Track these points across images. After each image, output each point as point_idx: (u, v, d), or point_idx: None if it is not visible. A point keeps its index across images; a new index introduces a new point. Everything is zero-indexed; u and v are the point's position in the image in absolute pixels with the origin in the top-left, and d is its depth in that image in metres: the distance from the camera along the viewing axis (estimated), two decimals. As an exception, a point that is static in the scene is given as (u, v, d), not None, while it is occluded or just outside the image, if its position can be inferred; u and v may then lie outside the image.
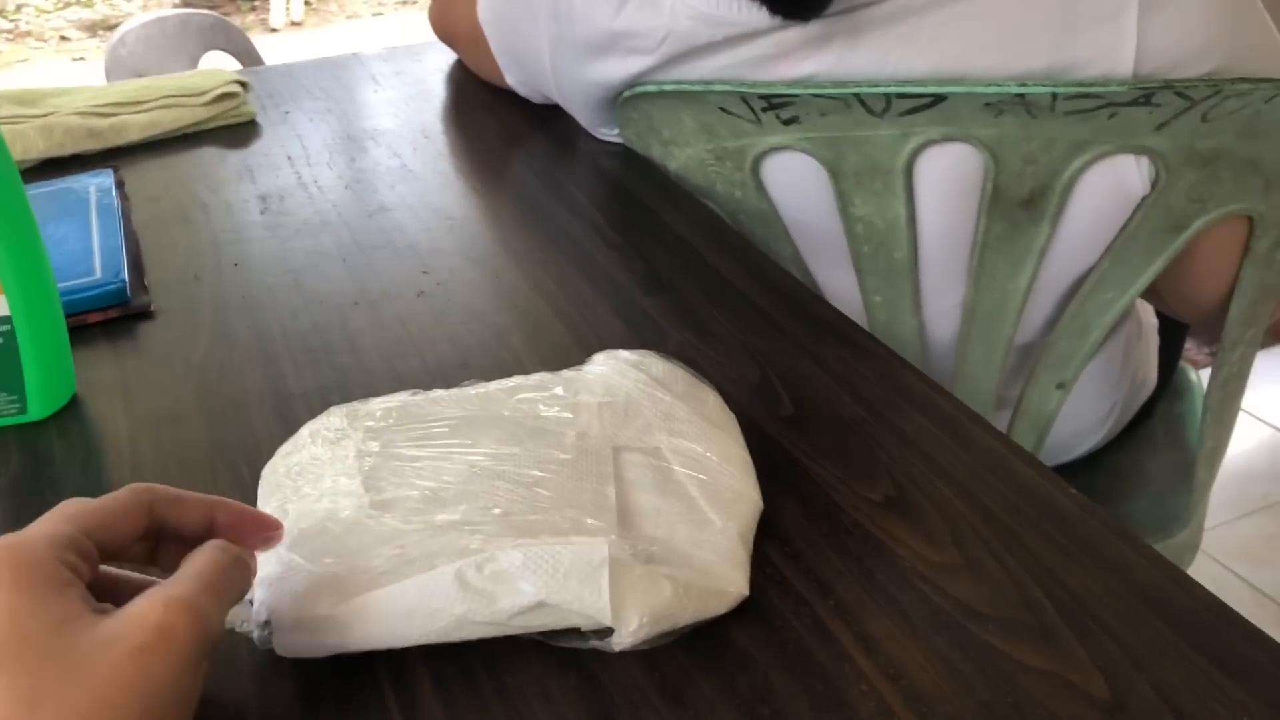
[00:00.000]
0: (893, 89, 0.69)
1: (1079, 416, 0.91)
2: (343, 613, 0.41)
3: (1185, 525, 0.96)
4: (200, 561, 0.39)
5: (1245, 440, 1.89)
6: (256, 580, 0.42)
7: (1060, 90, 0.67)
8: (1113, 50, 0.66)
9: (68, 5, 5.83)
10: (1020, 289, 0.77)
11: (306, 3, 5.57)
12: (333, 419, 0.51)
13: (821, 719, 0.40)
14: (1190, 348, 1.18)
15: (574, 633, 0.42)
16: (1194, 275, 0.79)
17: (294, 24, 5.40)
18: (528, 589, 0.41)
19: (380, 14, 5.70)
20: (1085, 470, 1.00)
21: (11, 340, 0.56)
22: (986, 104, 0.68)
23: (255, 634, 0.42)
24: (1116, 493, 0.99)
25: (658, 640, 0.42)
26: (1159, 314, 1.04)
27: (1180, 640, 0.42)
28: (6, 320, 0.55)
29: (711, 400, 0.53)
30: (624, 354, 0.54)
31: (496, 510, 0.45)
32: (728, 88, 0.74)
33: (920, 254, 0.77)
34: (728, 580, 0.44)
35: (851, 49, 0.70)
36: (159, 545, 0.41)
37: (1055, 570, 0.45)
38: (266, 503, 0.48)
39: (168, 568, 0.40)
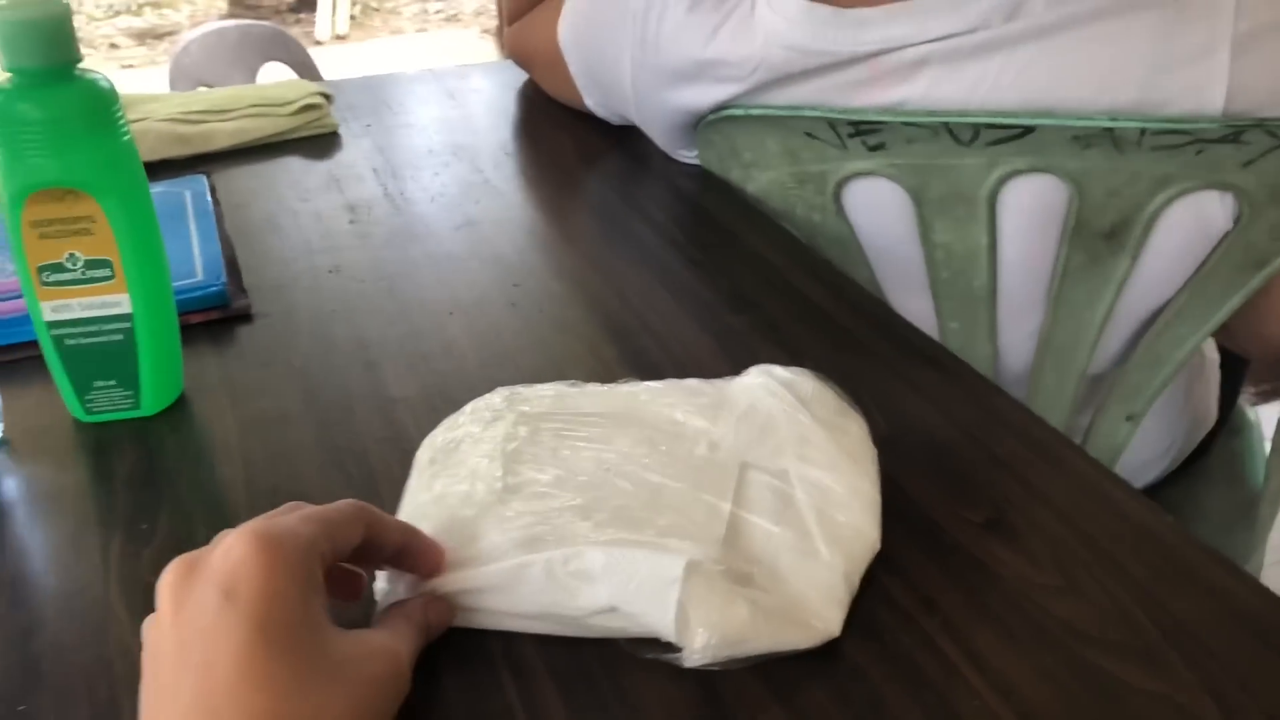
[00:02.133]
0: (982, 119, 0.70)
1: (1142, 449, 0.92)
2: (441, 587, 0.44)
3: (1245, 561, 0.96)
4: (402, 619, 0.42)
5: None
6: None
7: (1149, 125, 0.68)
8: (1203, 88, 0.67)
9: (118, 14, 5.93)
10: (1097, 320, 0.78)
11: (352, 17, 5.64)
12: (494, 398, 0.53)
13: (936, 730, 0.40)
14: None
15: (656, 643, 0.43)
16: (1271, 312, 0.80)
17: (339, 37, 5.47)
18: (602, 592, 0.42)
19: (424, 30, 5.76)
20: (1144, 503, 1.00)
21: (130, 338, 0.58)
22: (1074, 137, 0.70)
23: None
24: (1176, 527, 1.00)
25: (731, 663, 0.42)
26: (1220, 350, 1.04)
27: (1287, 668, 0.43)
28: (128, 319, 0.57)
29: (855, 430, 0.53)
30: (778, 370, 0.55)
31: (613, 505, 0.46)
32: (816, 113, 0.75)
33: (999, 282, 0.78)
34: (818, 616, 0.44)
35: (943, 78, 0.71)
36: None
37: (1157, 594, 0.46)
38: (420, 474, 0.51)
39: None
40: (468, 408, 0.54)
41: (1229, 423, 1.09)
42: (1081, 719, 0.41)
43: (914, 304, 0.82)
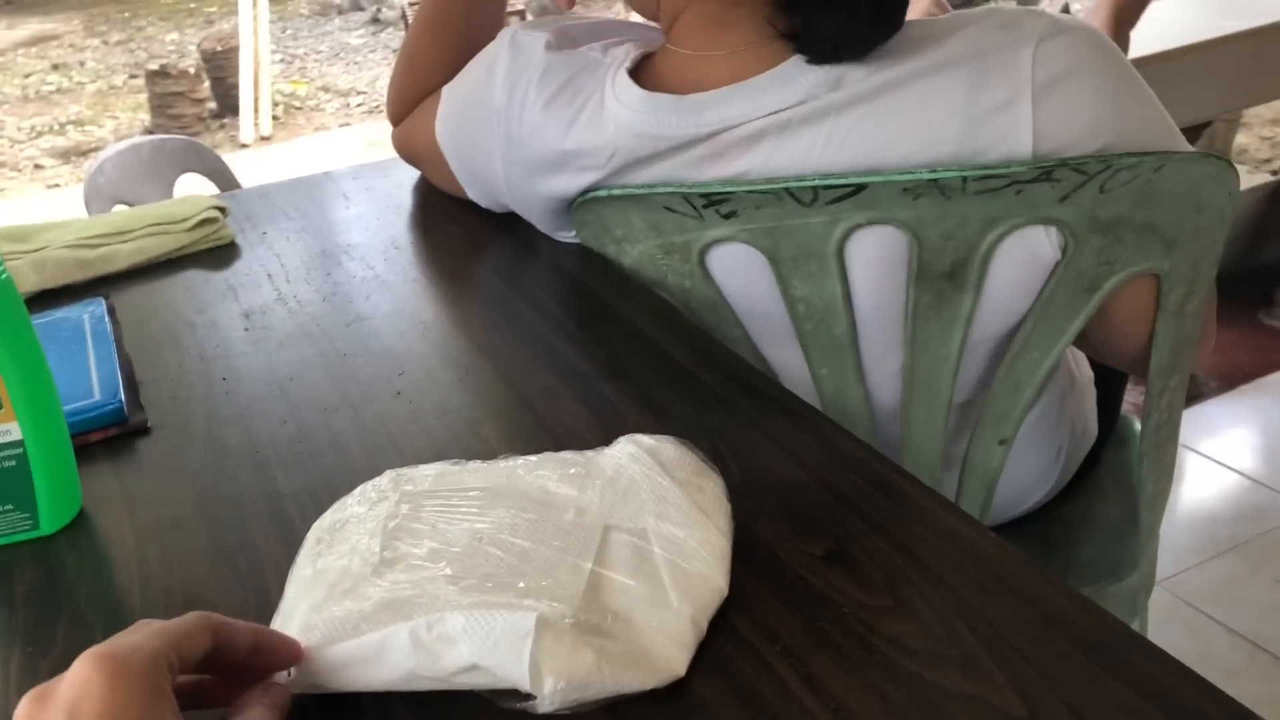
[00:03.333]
0: (818, 181, 0.76)
1: (1024, 470, 0.97)
2: (317, 657, 0.48)
3: (1135, 568, 1.01)
4: (257, 703, 0.45)
5: (1210, 485, 1.95)
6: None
7: (968, 174, 0.74)
8: (1011, 135, 0.73)
9: (40, 134, 5.96)
10: (953, 353, 0.83)
11: (275, 118, 5.71)
12: (382, 480, 0.58)
13: (771, 751, 0.44)
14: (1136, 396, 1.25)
15: (515, 693, 0.47)
16: (1113, 331, 0.86)
17: (263, 139, 5.53)
18: (464, 651, 0.47)
19: (347, 124, 5.84)
20: (1038, 521, 1.05)
21: (24, 462, 0.61)
22: (904, 189, 0.75)
23: None
24: (1069, 541, 1.05)
25: (580, 705, 0.46)
26: (1096, 366, 1.10)
27: (1087, 660, 0.47)
28: (20, 444, 0.61)
29: (710, 488, 0.58)
30: (644, 438, 0.60)
31: (482, 571, 0.50)
32: (670, 189, 0.81)
33: (858, 327, 0.83)
34: (665, 659, 0.48)
35: (778, 148, 0.77)
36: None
37: (977, 606, 0.51)
38: (306, 553, 0.55)
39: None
40: (357, 490, 0.58)
41: (1114, 435, 1.14)
42: (901, 726, 0.45)
43: (785, 355, 0.87)
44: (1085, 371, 1.07)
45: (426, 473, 0.59)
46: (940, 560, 0.54)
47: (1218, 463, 1.97)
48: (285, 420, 0.73)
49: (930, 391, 0.86)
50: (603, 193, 0.85)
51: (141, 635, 0.42)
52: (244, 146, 5.42)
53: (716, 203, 0.80)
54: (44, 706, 0.40)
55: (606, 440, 0.67)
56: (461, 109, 0.95)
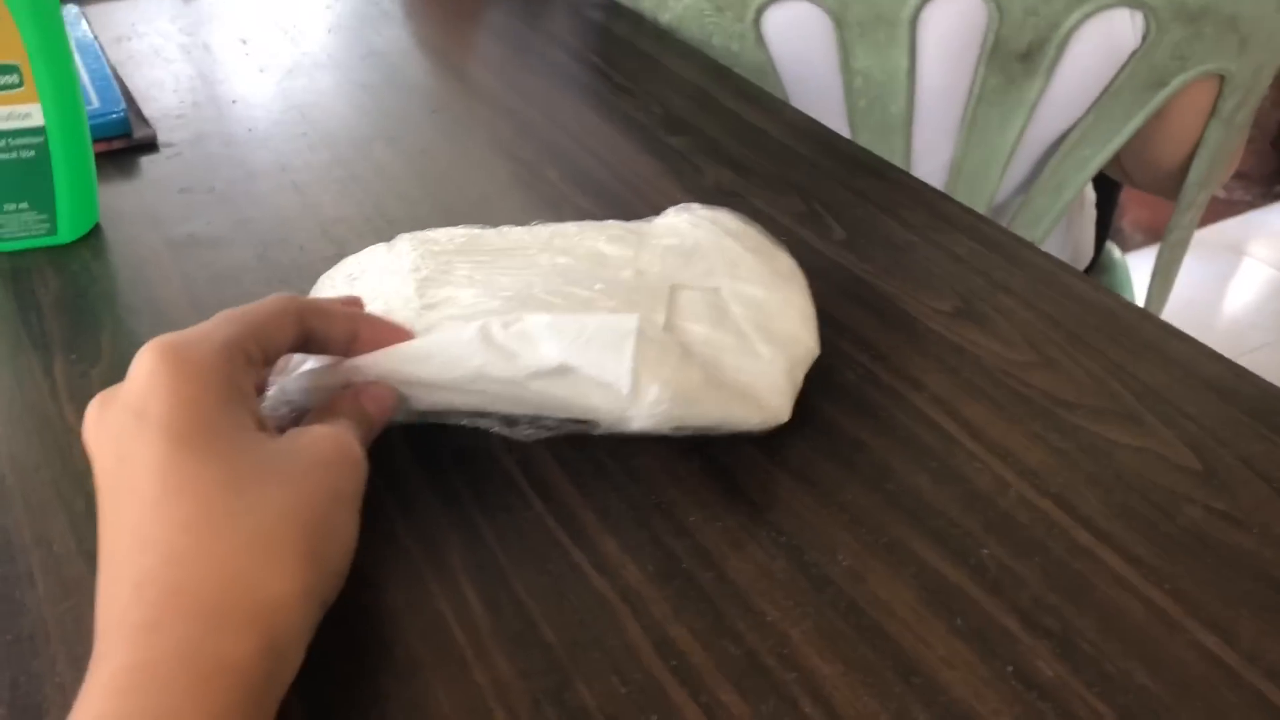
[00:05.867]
0: (911, -66, 0.70)
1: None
2: (362, 374, 0.40)
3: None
4: (356, 405, 0.39)
5: (1249, 284, 1.99)
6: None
7: (1072, -61, 0.69)
8: (1123, -99, 0.69)
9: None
10: (1008, 145, 0.80)
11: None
12: (399, 243, 0.49)
13: (944, 491, 0.42)
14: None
15: (588, 424, 0.41)
16: (1163, 135, 0.84)
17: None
18: (550, 350, 0.40)
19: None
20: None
21: (45, 154, 0.53)
22: (999, -48, 0.70)
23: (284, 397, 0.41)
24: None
25: (678, 428, 0.40)
26: (1095, 189, 1.09)
27: (1251, 420, 0.45)
28: (40, 131, 0.52)
29: (784, 258, 0.51)
30: (699, 208, 0.52)
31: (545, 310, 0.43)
32: (741, -69, 0.74)
33: (916, 109, 0.79)
34: (766, 400, 0.43)
35: (874, -109, 0.70)
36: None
37: (1126, 365, 0.48)
38: (320, 295, 0.47)
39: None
40: (364, 251, 0.49)
41: (1098, 263, 1.14)
42: (1077, 474, 0.42)
43: (831, 133, 0.82)
44: (1090, 193, 1.06)
45: (454, 234, 0.49)
46: (1076, 321, 0.51)
47: (1260, 261, 2.00)
48: (316, 147, 0.65)
49: (975, 186, 0.83)
50: (657, -66, 0.78)
51: (213, 324, 0.36)
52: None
53: (790, -48, 0.73)
54: (109, 407, 0.34)
55: (685, 190, 0.62)
56: None
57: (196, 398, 0.33)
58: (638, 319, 0.41)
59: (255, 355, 0.36)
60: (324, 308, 0.40)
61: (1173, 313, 2.18)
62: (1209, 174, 0.86)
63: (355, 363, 0.40)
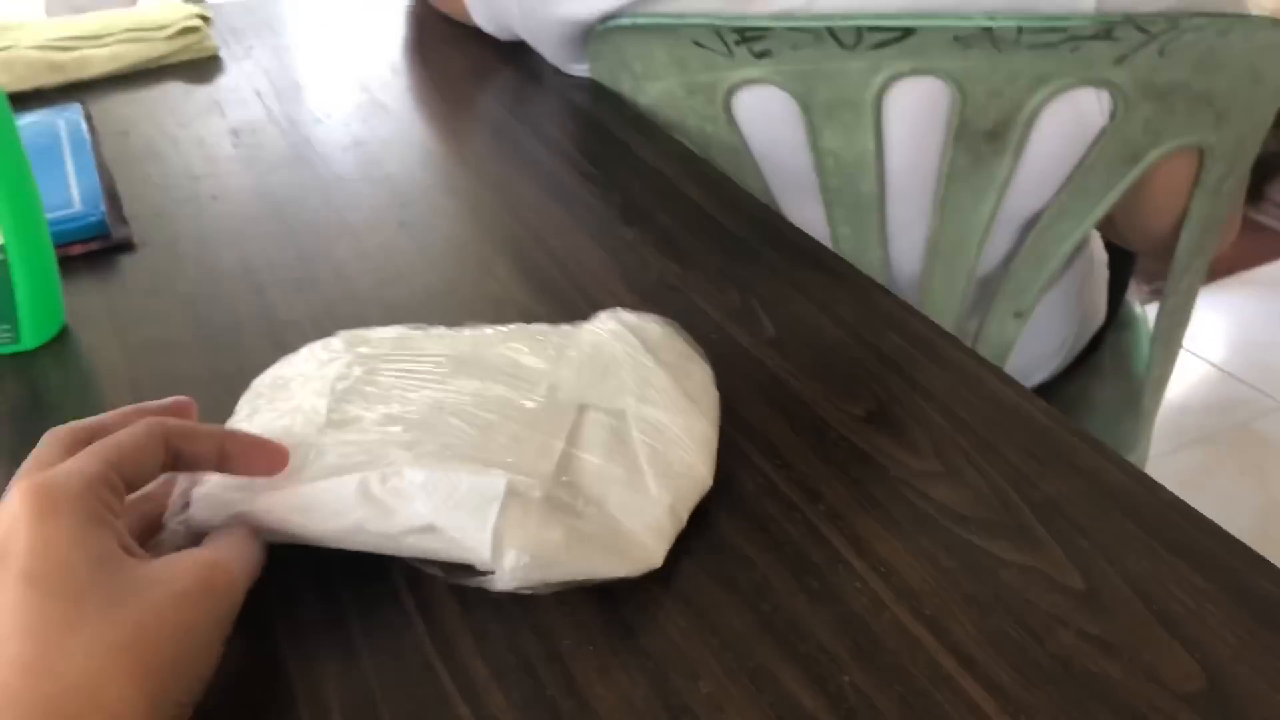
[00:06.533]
0: (864, 22, 0.71)
1: (1034, 346, 0.95)
2: (254, 506, 0.43)
3: (1133, 450, 1.00)
4: (232, 530, 0.41)
5: (1183, 376, 1.95)
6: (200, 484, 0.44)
7: (1026, 24, 0.69)
8: (1076, -14, 0.68)
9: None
10: (982, 221, 0.80)
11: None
12: (334, 341, 0.52)
13: (819, 613, 0.42)
14: (1134, 284, 1.23)
15: (468, 570, 0.42)
16: (1147, 206, 0.83)
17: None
18: (422, 509, 0.42)
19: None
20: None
21: (4, 269, 0.56)
22: (955, 38, 0.71)
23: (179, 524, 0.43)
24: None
25: (543, 586, 0.42)
26: (1108, 248, 1.07)
27: (1146, 536, 0.45)
28: (0, 251, 0.56)
29: (698, 375, 0.52)
30: (626, 314, 0.54)
31: (441, 441, 0.45)
32: (702, 21, 0.75)
33: (887, 187, 0.79)
34: (639, 546, 0.43)
35: (825, -15, 0.71)
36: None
37: (1029, 476, 0.48)
38: (240, 409, 0.49)
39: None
40: (304, 349, 0.52)
41: (1117, 318, 1.12)
42: (956, 595, 0.43)
43: (807, 211, 0.83)
44: (1101, 253, 1.04)
45: (385, 335, 0.52)
46: (989, 427, 0.51)
47: (1193, 353, 1.98)
48: (283, 245, 0.68)
49: (954, 261, 0.82)
50: (626, 21, 0.80)
51: (79, 459, 0.38)
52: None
53: (750, 39, 0.75)
54: None
55: (628, 285, 0.63)
56: (474, -77, 0.88)
57: (54, 536, 0.35)
58: (505, 482, 0.42)
59: (120, 485, 0.38)
60: (190, 430, 0.42)
61: (1233, 353, 2.14)
62: (1200, 242, 0.85)
63: (243, 511, 0.43)
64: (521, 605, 0.43)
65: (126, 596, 0.35)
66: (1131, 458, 1.00)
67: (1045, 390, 1.04)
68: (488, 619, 0.42)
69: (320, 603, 0.43)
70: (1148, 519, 0.46)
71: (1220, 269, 2.19)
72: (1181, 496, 0.48)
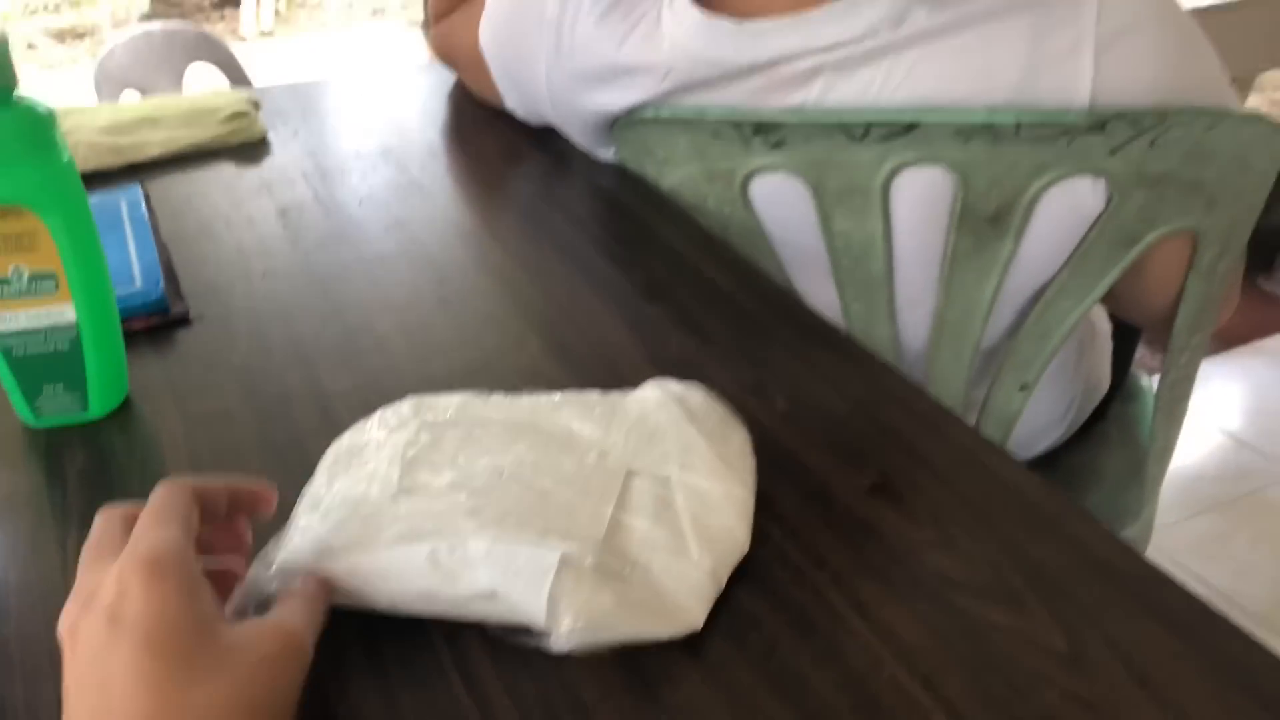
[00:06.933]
0: (871, 118, 0.76)
1: (1038, 416, 0.98)
2: (329, 572, 0.48)
3: (1137, 518, 1.03)
4: (295, 599, 0.46)
5: (1197, 444, 1.98)
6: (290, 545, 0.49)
7: (1023, 119, 0.74)
8: (1071, 85, 0.73)
9: (34, 12, 5.82)
10: (986, 298, 0.84)
11: (276, 13, 5.59)
12: (403, 406, 0.57)
13: (823, 670, 0.46)
14: (1144, 354, 1.26)
15: (527, 631, 0.47)
16: (1145, 286, 0.87)
17: (264, 34, 5.43)
18: (483, 578, 0.46)
19: (350, 24, 5.73)
20: (1044, 467, 1.07)
21: (77, 345, 0.61)
22: (956, 131, 0.75)
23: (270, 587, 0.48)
24: (1072, 488, 1.07)
25: (596, 647, 0.46)
26: (1114, 320, 1.11)
27: (1127, 601, 0.49)
28: (73, 327, 0.61)
29: (737, 441, 0.57)
30: (671, 384, 0.59)
31: (501, 507, 0.50)
32: (721, 115, 0.81)
33: (895, 267, 0.84)
34: (682, 609, 0.48)
35: (836, 83, 0.77)
36: None
37: (1021, 545, 0.52)
38: (322, 474, 0.54)
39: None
40: (376, 415, 0.57)
41: (1124, 389, 1.16)
42: (950, 654, 0.46)
43: (819, 289, 0.87)
44: (1104, 325, 1.08)
45: (449, 402, 0.58)
46: (985, 499, 0.55)
47: (1206, 422, 2.00)
48: (328, 320, 0.73)
49: (959, 335, 0.87)
50: (650, 113, 0.85)
51: (159, 528, 0.42)
52: (242, 40, 5.32)
53: (765, 131, 0.80)
54: (87, 610, 0.40)
55: (650, 360, 0.68)
56: (509, 15, 0.94)
57: (168, 603, 0.40)
58: (559, 554, 0.47)
59: (193, 543, 0.43)
60: (205, 484, 0.46)
61: (1246, 422, 2.16)
62: (1197, 320, 0.88)
63: (327, 576, 0.48)
64: (550, 661, 0.47)
65: (225, 659, 0.40)
66: (1136, 526, 1.04)
67: (1053, 458, 1.08)
68: (518, 672, 0.46)
69: (365, 659, 0.47)
70: (1129, 586, 0.50)
71: (1234, 338, 2.22)
72: (1195, 564, 0.52)
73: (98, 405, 0.64)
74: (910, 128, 0.76)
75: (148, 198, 0.89)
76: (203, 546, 0.45)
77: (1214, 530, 1.78)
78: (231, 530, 0.50)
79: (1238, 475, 1.90)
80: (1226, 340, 2.22)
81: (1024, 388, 0.90)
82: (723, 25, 0.79)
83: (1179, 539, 1.76)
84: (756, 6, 0.79)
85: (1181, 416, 1.02)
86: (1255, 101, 3.62)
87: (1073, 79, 0.73)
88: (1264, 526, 1.79)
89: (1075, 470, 1.09)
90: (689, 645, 0.47)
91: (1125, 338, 1.15)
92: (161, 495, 0.45)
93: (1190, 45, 0.76)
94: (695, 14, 0.80)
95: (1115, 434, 1.12)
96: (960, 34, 0.74)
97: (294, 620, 0.44)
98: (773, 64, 0.78)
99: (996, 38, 0.74)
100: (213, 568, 0.46)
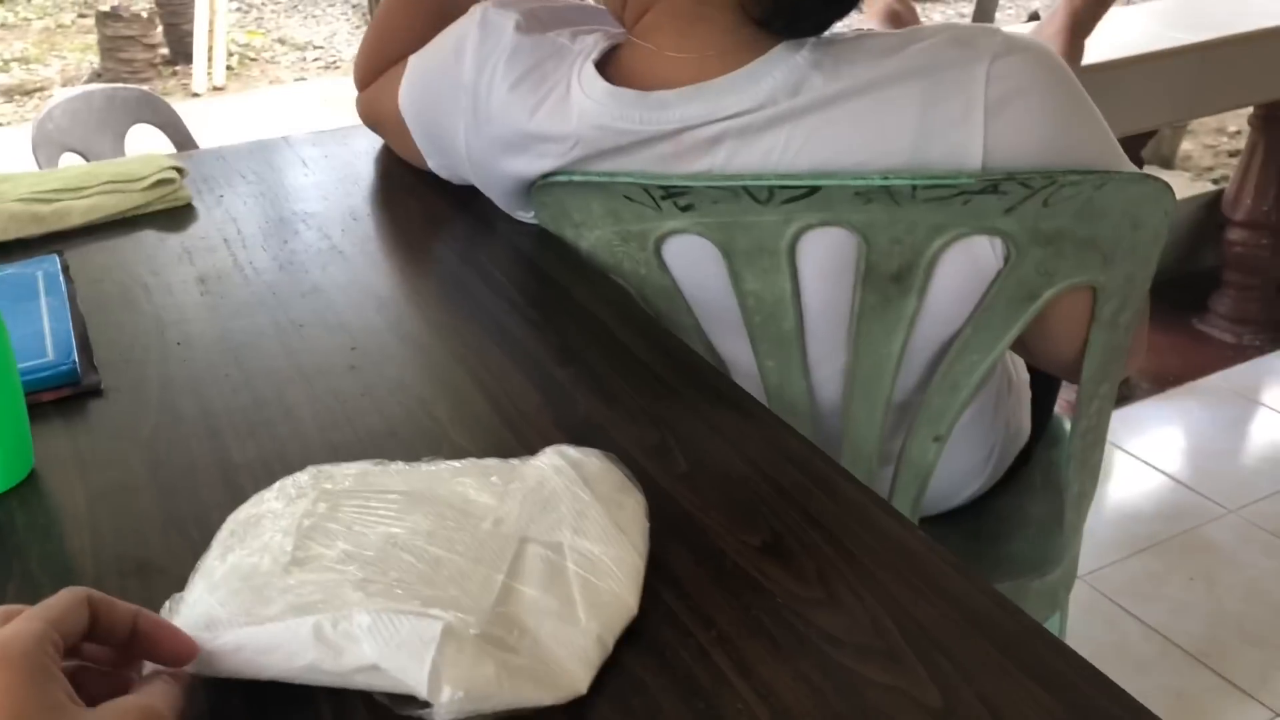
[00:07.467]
0: (774, 181, 0.78)
1: (958, 465, 1.00)
2: (218, 645, 0.48)
3: (1059, 564, 1.05)
4: (159, 680, 0.46)
5: (1134, 483, 2.01)
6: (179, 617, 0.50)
7: (919, 182, 0.76)
8: (962, 149, 0.76)
9: (-17, 70, 5.81)
10: (894, 353, 0.86)
11: (229, 68, 5.61)
12: (302, 476, 0.58)
13: (703, 733, 0.47)
14: (1070, 398, 1.29)
15: (413, 700, 0.47)
16: (1049, 338, 0.89)
17: (216, 89, 5.44)
18: (368, 650, 0.47)
19: (303, 78, 5.76)
20: (971, 514, 1.09)
21: (-22, 421, 0.62)
22: (856, 193, 0.78)
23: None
24: (1000, 534, 1.09)
25: (479, 716, 0.46)
26: (1032, 368, 1.14)
27: (1001, 657, 0.50)
28: (-26, 403, 0.61)
29: (630, 506, 0.58)
30: (569, 450, 0.60)
31: (391, 577, 0.51)
32: (630, 179, 0.82)
33: (806, 324, 0.86)
34: (566, 674, 0.49)
35: (737, 151, 0.79)
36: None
37: (902, 601, 0.53)
38: (218, 546, 0.55)
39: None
40: (276, 485, 0.58)
41: (1046, 434, 1.18)
42: (826, 712, 0.47)
43: (735, 345, 0.89)
44: (1022, 374, 1.11)
45: (348, 471, 0.59)
46: (871, 556, 0.56)
47: (1143, 462, 2.04)
48: (239, 389, 0.74)
49: (871, 390, 0.88)
50: (563, 178, 0.87)
51: (19, 621, 0.43)
52: (195, 96, 5.33)
53: (675, 195, 0.82)
54: None
55: (557, 424, 0.69)
56: (427, 80, 0.96)
57: (12, 690, 0.40)
58: (441, 626, 0.47)
59: (60, 643, 0.43)
60: (111, 602, 0.47)
61: (1182, 461, 2.20)
62: (1104, 370, 0.91)
63: (210, 650, 0.48)
64: (435, 729, 0.47)
65: None
66: (1059, 571, 1.06)
67: (979, 505, 1.09)
68: (404, 743, 0.47)
69: (253, 730, 0.48)
70: (1005, 642, 0.51)
71: (1168, 379, 2.27)
72: (1132, 604, 0.53)
73: (1, 480, 0.64)
74: (812, 191, 0.78)
75: (66, 268, 0.89)
76: (88, 656, 0.46)
77: (1150, 569, 1.81)
78: (129, 661, 0.49)
79: (1174, 514, 1.93)
80: (1161, 381, 2.26)
81: (938, 439, 0.92)
82: (628, 96, 0.81)
83: (1117, 579, 1.78)
84: (661, 78, 0.81)
85: (1097, 464, 1.04)
86: (1189, 145, 3.73)
87: (965, 143, 0.76)
88: (1200, 564, 1.82)
89: (1002, 516, 1.11)
90: (573, 710, 0.48)
91: (1046, 384, 1.17)
92: (55, 596, 0.45)
93: (1076, 108, 0.79)
94: (602, 85, 0.82)
95: (1039, 479, 1.14)
96: (855, 101, 0.77)
97: (153, 698, 0.45)
98: (678, 132, 0.80)
99: (890, 104, 0.76)
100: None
